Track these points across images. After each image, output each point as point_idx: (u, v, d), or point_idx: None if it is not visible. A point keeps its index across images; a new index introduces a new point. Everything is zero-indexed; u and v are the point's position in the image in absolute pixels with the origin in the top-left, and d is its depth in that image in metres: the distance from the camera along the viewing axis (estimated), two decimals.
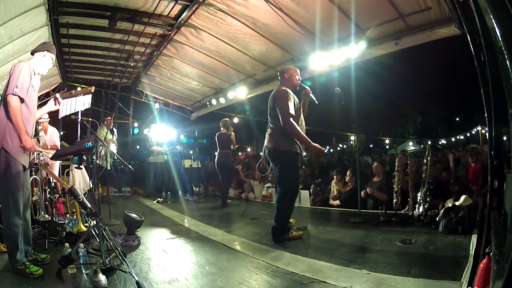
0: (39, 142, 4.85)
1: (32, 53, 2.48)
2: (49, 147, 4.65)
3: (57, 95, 2.77)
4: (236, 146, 6.13)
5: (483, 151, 4.46)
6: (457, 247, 2.51)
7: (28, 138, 2.25)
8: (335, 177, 5.26)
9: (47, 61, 2.49)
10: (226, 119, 6.19)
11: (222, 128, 5.91)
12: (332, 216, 4.64)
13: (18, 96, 2.19)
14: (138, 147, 12.10)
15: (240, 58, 6.41)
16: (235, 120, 12.08)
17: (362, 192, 4.24)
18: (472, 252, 2.19)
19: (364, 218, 3.81)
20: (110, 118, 6.22)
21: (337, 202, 5.02)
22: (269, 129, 3.18)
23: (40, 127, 4.59)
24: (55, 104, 2.69)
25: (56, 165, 4.55)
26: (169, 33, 5.89)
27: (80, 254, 2.24)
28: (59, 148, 4.76)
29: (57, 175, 4.44)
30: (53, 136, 4.76)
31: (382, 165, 4.63)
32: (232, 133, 5.97)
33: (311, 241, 3.19)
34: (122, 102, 9.83)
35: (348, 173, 5.11)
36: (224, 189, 6.04)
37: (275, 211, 3.08)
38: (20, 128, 2.19)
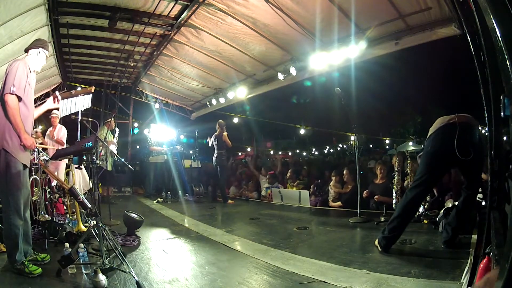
0: (44, 135, 4.96)
1: (26, 51, 2.48)
2: (54, 136, 4.74)
3: (57, 92, 2.78)
4: (228, 145, 6.29)
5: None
6: (457, 247, 2.51)
7: (28, 136, 2.25)
8: (333, 178, 5.18)
9: (41, 58, 2.50)
10: (221, 120, 6.49)
11: (217, 129, 6.34)
12: (332, 216, 4.64)
13: (15, 94, 2.19)
14: (138, 147, 12.10)
15: (240, 58, 6.41)
16: (235, 120, 12.07)
17: (365, 192, 4.22)
18: (472, 252, 2.19)
19: (364, 218, 3.82)
20: (111, 119, 6.19)
21: (338, 203, 4.97)
22: None
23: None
24: (54, 102, 2.70)
25: (62, 165, 4.56)
26: (169, 33, 5.89)
27: (80, 254, 2.25)
28: (65, 144, 4.83)
29: (62, 175, 4.46)
30: (60, 132, 4.85)
31: (386, 166, 4.54)
32: (225, 133, 6.26)
33: (311, 241, 3.20)
34: (122, 102, 9.83)
35: (345, 173, 5.07)
36: (222, 186, 6.37)
37: None
38: (19, 126, 2.19)
